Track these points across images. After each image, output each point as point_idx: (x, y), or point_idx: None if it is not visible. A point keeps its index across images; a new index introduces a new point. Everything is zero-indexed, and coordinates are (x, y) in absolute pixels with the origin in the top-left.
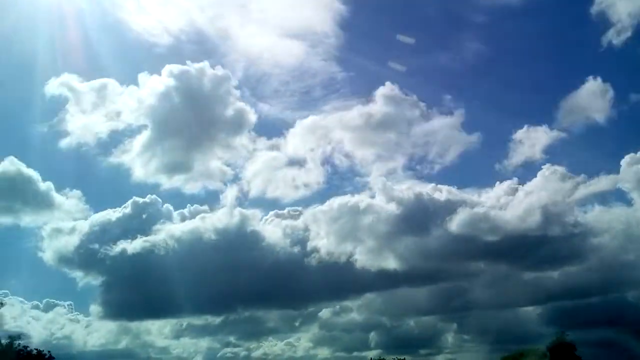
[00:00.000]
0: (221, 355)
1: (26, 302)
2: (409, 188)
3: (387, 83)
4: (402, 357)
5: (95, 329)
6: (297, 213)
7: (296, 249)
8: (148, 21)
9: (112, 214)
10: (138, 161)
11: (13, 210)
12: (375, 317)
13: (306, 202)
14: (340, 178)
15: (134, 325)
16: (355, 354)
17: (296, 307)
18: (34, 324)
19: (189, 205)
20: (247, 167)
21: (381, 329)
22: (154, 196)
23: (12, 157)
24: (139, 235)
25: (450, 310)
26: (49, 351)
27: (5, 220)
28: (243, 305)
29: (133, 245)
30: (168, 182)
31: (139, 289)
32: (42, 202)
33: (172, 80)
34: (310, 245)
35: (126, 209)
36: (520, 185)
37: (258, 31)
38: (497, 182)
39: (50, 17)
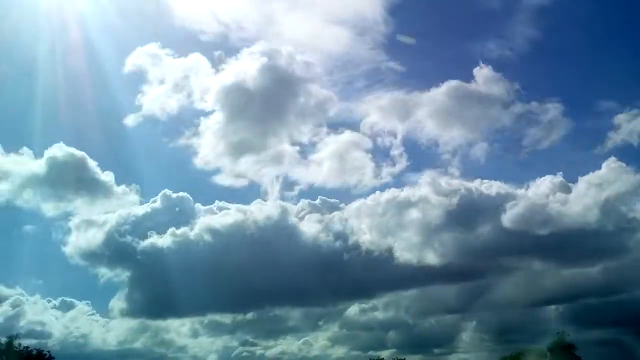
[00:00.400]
0: (237, 353)
1: (51, 299)
2: (455, 182)
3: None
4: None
5: (114, 327)
6: (339, 205)
7: (335, 244)
8: (194, 7)
9: (142, 208)
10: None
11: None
12: (398, 316)
13: (347, 195)
14: (390, 171)
15: (155, 323)
16: (370, 353)
17: (323, 305)
18: (53, 320)
19: (217, 200)
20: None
21: (401, 328)
22: (185, 193)
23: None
24: (166, 230)
25: (475, 309)
26: (48, 351)
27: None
28: (269, 302)
29: (161, 240)
30: (231, 166)
31: (163, 286)
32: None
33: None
34: (350, 239)
35: (155, 202)
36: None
37: (304, 17)
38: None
39: None
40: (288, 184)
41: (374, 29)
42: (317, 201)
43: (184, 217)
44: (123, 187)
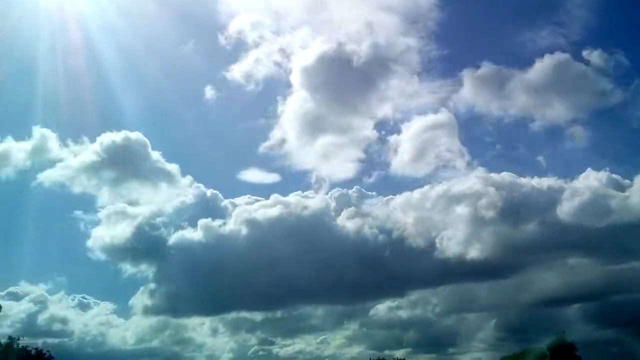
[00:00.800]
0: (253, 351)
1: (76, 295)
2: (503, 176)
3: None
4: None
5: (134, 325)
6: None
7: (374, 238)
8: None
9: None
10: None
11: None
12: (422, 314)
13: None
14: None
15: (176, 321)
16: (386, 352)
17: (351, 303)
18: (75, 316)
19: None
20: None
21: (421, 327)
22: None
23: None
24: (195, 225)
25: (499, 306)
26: (48, 351)
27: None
28: (297, 300)
29: (188, 236)
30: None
31: (189, 282)
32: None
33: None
34: (389, 234)
35: (186, 196)
36: None
37: (354, 3)
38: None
39: None
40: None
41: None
42: (356, 193)
43: (215, 210)
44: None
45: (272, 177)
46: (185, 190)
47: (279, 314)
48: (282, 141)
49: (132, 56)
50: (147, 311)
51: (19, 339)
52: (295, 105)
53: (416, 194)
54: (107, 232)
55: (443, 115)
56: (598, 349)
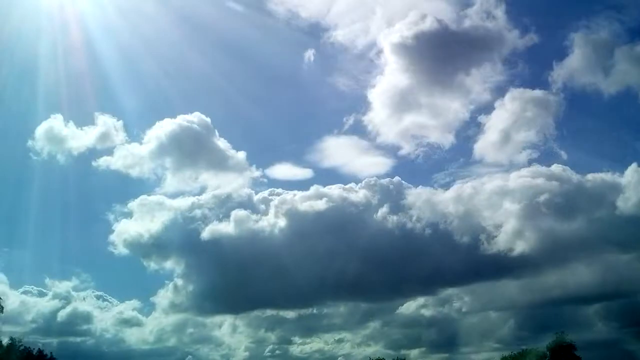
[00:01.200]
0: (269, 350)
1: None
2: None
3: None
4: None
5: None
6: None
7: (415, 231)
8: None
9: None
10: None
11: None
12: (445, 312)
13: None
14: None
15: (199, 319)
16: (402, 352)
17: (380, 300)
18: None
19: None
20: None
21: (442, 325)
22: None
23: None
24: (223, 220)
25: (526, 305)
26: (50, 352)
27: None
28: (325, 298)
29: (215, 232)
30: None
31: (216, 279)
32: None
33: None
34: (437, 228)
35: (216, 190)
36: None
37: None
38: None
39: None
40: None
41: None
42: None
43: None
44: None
45: None
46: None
47: (304, 311)
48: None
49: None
50: (171, 309)
51: (20, 340)
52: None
53: (467, 186)
54: (136, 226)
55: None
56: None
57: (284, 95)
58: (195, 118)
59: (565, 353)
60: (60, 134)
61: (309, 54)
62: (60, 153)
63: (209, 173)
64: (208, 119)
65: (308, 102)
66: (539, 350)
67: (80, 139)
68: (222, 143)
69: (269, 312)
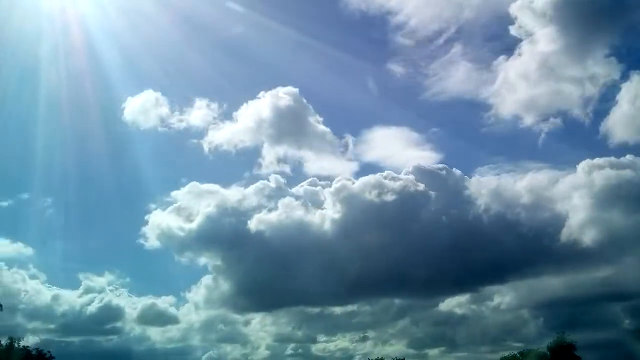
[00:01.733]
0: (292, 348)
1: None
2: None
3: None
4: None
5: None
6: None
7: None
8: None
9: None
10: None
11: None
12: (477, 310)
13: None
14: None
15: (231, 316)
16: (426, 351)
17: (413, 297)
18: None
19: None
20: None
21: (469, 324)
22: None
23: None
24: (261, 213)
25: (564, 301)
26: (49, 351)
27: None
28: (359, 294)
29: (253, 226)
30: None
31: (251, 275)
32: None
33: None
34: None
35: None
36: None
37: None
38: None
39: None
40: None
41: None
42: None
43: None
44: None
45: None
46: None
47: (334, 310)
48: None
49: None
50: (202, 305)
51: (19, 339)
52: None
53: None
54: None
55: None
56: None
57: None
58: None
59: (566, 353)
60: None
61: None
62: None
63: None
64: None
65: None
66: (540, 350)
67: None
68: None
69: (301, 309)
